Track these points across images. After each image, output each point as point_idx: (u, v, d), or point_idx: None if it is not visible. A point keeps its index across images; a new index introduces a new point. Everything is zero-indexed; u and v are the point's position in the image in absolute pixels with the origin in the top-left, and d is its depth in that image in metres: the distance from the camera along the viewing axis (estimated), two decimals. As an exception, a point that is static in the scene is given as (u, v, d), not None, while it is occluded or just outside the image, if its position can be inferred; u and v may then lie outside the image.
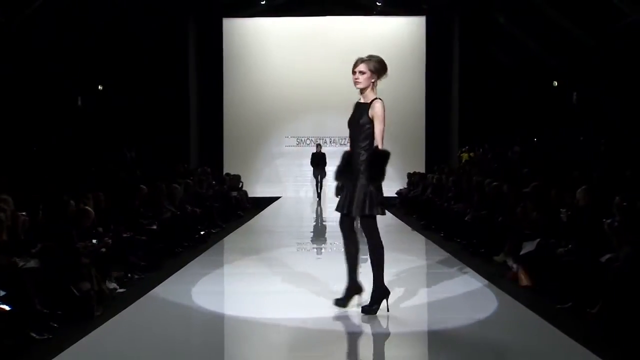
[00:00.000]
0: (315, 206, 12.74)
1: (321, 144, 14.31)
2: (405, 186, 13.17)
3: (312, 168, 13.91)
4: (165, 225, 6.66)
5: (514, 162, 13.48)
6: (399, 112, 14.26)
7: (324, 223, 10.40)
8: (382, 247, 3.71)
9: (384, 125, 3.62)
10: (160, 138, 15.25)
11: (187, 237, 7.26)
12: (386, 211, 3.83)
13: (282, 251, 6.92)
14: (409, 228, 8.86)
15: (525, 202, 5.93)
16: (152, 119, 15.54)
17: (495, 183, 7.23)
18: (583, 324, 3.80)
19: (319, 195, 13.85)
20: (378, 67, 3.75)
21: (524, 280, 4.97)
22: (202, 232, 7.77)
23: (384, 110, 3.63)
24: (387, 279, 4.02)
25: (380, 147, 3.60)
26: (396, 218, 10.04)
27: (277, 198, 14.49)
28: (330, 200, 14.11)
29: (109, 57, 15.02)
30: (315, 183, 13.90)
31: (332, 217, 11.02)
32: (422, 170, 14.18)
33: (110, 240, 5.18)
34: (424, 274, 5.49)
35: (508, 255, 5.62)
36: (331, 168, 16.95)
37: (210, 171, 12.54)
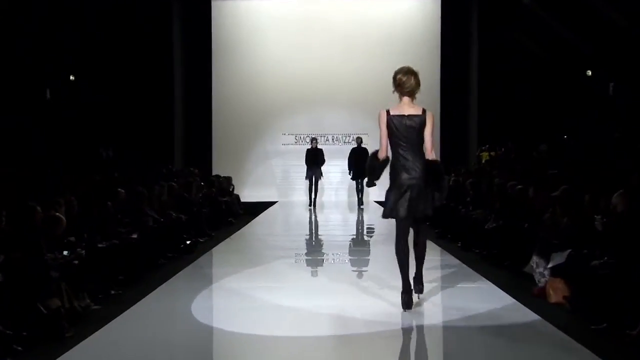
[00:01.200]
0: (309, 215, 12.46)
1: (317, 138, 14.15)
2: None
3: (306, 167, 13.49)
4: (146, 233, 6.68)
5: (540, 162, 13.47)
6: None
7: (324, 232, 10.41)
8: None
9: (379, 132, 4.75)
10: (141, 135, 15.24)
11: (171, 247, 7.32)
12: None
13: (278, 263, 6.95)
14: (446, 252, 8.75)
15: (554, 207, 5.87)
16: (131, 113, 15.50)
17: (519, 186, 7.20)
18: (620, 348, 3.76)
19: (312, 203, 13.53)
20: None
21: (553, 297, 4.97)
22: (188, 242, 7.82)
23: (378, 119, 4.68)
24: (397, 297, 4.63)
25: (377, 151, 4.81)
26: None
27: (272, 203, 14.51)
28: (328, 206, 14.60)
29: (83, 43, 14.94)
30: (308, 186, 13.53)
31: (332, 226, 11.08)
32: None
33: (83, 252, 5.18)
34: (439, 288, 5.45)
35: (534, 267, 5.61)
36: (334, 168, 16.68)
37: (198, 173, 12.56)
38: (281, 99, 15.76)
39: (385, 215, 4.63)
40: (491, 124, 15.92)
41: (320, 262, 7.35)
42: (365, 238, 9.51)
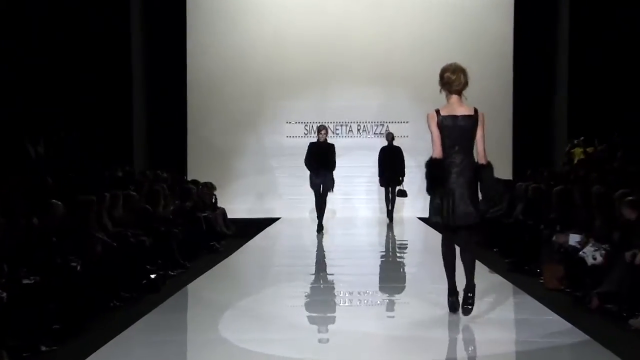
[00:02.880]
0: (318, 238, 12.43)
1: (326, 126, 13.19)
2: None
3: (309, 172, 12.72)
4: (93, 264, 6.68)
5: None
6: (473, 90, 14.30)
7: (343, 263, 10.36)
8: None
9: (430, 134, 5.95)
10: (85, 126, 15.26)
11: (128, 284, 7.34)
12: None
13: (277, 308, 7.03)
14: (486, 269, 8.95)
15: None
16: (71, 96, 15.53)
17: (631, 197, 7.05)
18: None
19: (319, 226, 12.82)
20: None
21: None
22: (152, 276, 7.90)
23: (428, 121, 5.90)
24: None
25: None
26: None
27: (273, 220, 14.67)
28: (343, 224, 14.85)
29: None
30: (316, 198, 12.75)
31: (357, 254, 11.10)
32: (508, 176, 14.27)
33: (4, 294, 5.18)
34: (527, 353, 5.40)
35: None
36: (359, 171, 16.83)
37: (168, 177, 12.66)
38: (284, 76, 15.99)
39: (432, 219, 5.94)
40: (587, 108, 15.72)
41: (333, 305, 7.43)
42: (395, 274, 9.44)
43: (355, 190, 15.99)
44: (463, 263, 5.94)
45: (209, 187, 13.14)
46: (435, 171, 5.80)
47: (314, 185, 12.55)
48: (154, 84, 16.08)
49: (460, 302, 5.95)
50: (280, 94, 16.06)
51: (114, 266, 7.13)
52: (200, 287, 8.07)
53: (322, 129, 12.70)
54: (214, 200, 13.25)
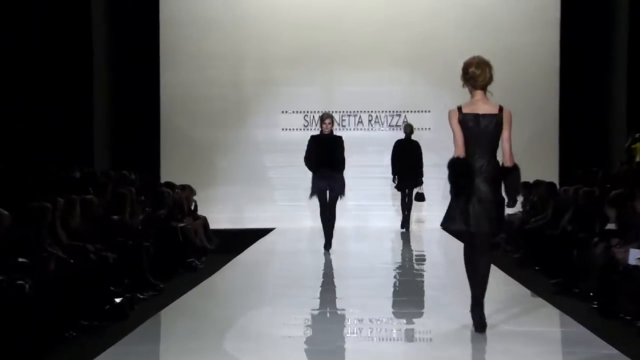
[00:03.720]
0: (324, 255, 12.25)
1: (331, 114, 12.60)
2: (519, 209, 13.37)
3: (311, 173, 12.25)
4: (45, 284, 6.62)
5: None
6: (513, 75, 14.71)
7: (353, 284, 10.33)
8: None
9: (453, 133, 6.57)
10: (36, 116, 15.27)
11: (88, 309, 7.32)
12: None
13: (270, 340, 7.00)
14: (527, 291, 8.97)
15: None
16: (18, 81, 15.52)
17: None
18: None
19: (328, 243, 12.33)
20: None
21: None
22: (118, 300, 7.89)
23: (449, 119, 6.51)
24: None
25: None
26: (500, 270, 10.16)
27: (266, 231, 14.71)
28: (352, 236, 15.01)
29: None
30: (321, 207, 12.19)
31: (366, 270, 11.09)
32: (554, 178, 14.34)
33: None
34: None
35: None
36: (357, 173, 16.87)
37: (136, 179, 12.64)
38: (279, 55, 16.09)
39: (447, 225, 6.60)
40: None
41: (341, 336, 7.44)
42: (413, 297, 9.37)
43: (366, 195, 15.96)
44: (478, 268, 6.53)
45: (187, 192, 13.14)
46: (460, 173, 6.34)
47: (317, 190, 11.99)
48: (120, 67, 16.24)
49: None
50: (275, 77, 16.18)
51: (71, 288, 7.08)
52: (175, 314, 8.03)
53: (326, 118, 12.20)
54: (193, 207, 13.25)
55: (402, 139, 14.45)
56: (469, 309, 6.67)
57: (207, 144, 16.33)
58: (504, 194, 6.62)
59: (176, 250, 10.98)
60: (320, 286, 10.11)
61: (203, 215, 13.33)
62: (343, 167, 12.08)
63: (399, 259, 12.72)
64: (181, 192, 12.88)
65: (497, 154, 6.57)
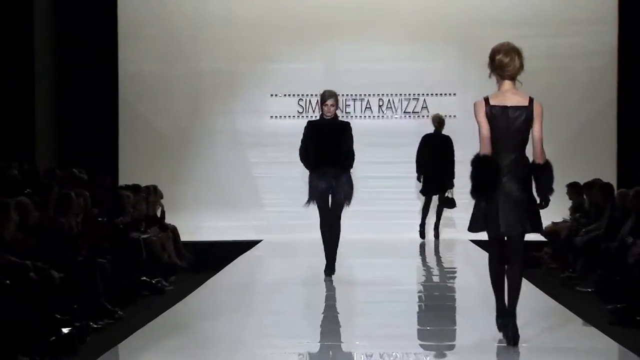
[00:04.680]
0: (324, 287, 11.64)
1: (335, 93, 11.61)
2: (567, 217, 13.61)
3: (308, 170, 11.67)
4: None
5: None
6: (563, 59, 15.17)
7: (362, 310, 10.37)
8: None
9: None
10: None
11: (29, 341, 7.29)
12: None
13: None
14: (578, 319, 9.00)
15: None
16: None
17: None
18: None
19: (330, 266, 11.64)
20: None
21: None
22: (65, 330, 7.90)
23: (475, 112, 7.15)
24: None
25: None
26: (543, 293, 10.24)
27: (251, 244, 14.75)
28: (359, 252, 14.69)
29: None
30: (321, 216, 11.60)
31: (379, 294, 11.04)
32: (611, 179, 14.46)
33: None
34: None
35: None
36: (364, 171, 16.84)
37: (89, 179, 12.68)
38: (267, 24, 16.20)
39: (473, 229, 7.24)
40: None
41: None
42: (443, 328, 9.32)
43: (376, 199, 15.95)
44: (508, 280, 7.22)
45: (152, 195, 13.19)
46: (486, 172, 7.00)
47: (316, 194, 11.40)
48: (68, 41, 16.33)
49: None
50: (262, 52, 16.26)
51: (6, 315, 7.08)
52: (137, 347, 7.98)
53: (329, 97, 11.37)
54: (159, 215, 13.34)
55: (430, 134, 14.46)
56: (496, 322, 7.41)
57: (176, 135, 16.40)
58: (535, 194, 7.21)
59: (138, 268, 11.00)
60: (317, 315, 9.99)
61: (172, 224, 13.37)
62: (351, 164, 11.46)
63: (422, 278, 12.63)
64: (145, 195, 12.84)
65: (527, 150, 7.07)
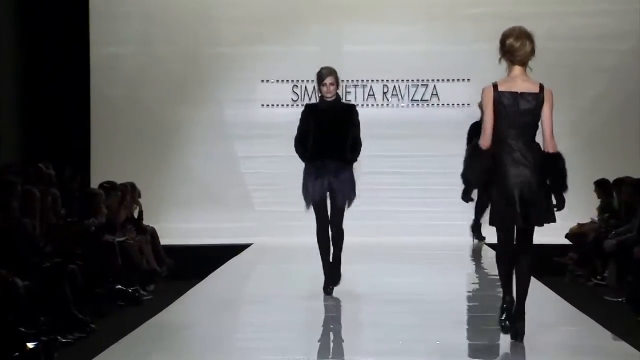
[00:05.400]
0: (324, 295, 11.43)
1: (335, 70, 10.92)
2: (594, 217, 13.65)
3: (303, 163, 11.11)
4: None
5: None
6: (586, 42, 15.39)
7: (370, 334, 10.26)
8: None
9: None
10: None
11: None
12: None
13: None
14: (607, 333, 8.93)
15: None
16: None
17: None
18: None
19: (330, 281, 11.07)
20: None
21: None
22: (31, 345, 7.94)
23: (482, 98, 7.71)
24: None
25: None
26: (567, 303, 10.29)
27: (241, 248, 14.79)
28: (363, 260, 14.62)
29: None
30: (318, 220, 11.07)
31: (387, 309, 10.98)
32: (637, 173, 14.25)
33: None
34: None
35: None
36: (366, 167, 16.94)
37: (57, 176, 12.75)
38: (257, 4, 16.36)
39: (493, 223, 7.83)
40: None
41: None
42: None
43: (379, 197, 15.93)
44: (517, 278, 7.73)
45: (129, 193, 13.17)
46: (473, 158, 7.70)
47: (311, 192, 10.80)
48: (33, 25, 16.33)
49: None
50: (251, 33, 16.26)
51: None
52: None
53: (327, 74, 10.71)
54: (137, 215, 13.35)
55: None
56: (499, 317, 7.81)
57: (155, 127, 16.40)
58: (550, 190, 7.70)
59: (113, 275, 11.02)
60: (315, 330, 9.97)
61: (151, 226, 13.41)
62: (356, 157, 10.86)
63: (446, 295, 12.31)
64: (121, 193, 12.84)
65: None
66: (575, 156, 16.00)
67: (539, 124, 7.60)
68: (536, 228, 7.79)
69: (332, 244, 10.98)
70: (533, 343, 7.88)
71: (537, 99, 7.52)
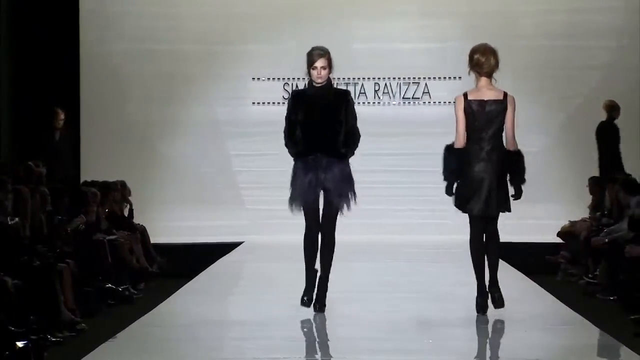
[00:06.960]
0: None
1: (327, 50, 9.80)
2: (587, 216, 13.73)
3: (293, 158, 9.95)
4: None
5: None
6: (583, 53, 15.65)
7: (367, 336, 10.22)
8: None
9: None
10: None
11: None
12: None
13: None
14: (596, 330, 8.98)
15: None
16: None
17: None
18: None
19: (313, 295, 9.91)
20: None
21: None
22: (20, 344, 7.92)
23: (455, 106, 9.00)
24: None
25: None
26: (559, 302, 10.25)
27: (231, 246, 14.80)
28: (361, 258, 15.07)
29: None
30: (307, 224, 9.79)
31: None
32: (638, 171, 14.39)
33: None
34: None
35: None
36: (359, 165, 16.97)
37: (47, 174, 12.77)
38: (249, 1, 16.44)
39: (458, 207, 9.12)
40: None
41: None
42: None
43: (370, 196, 15.87)
44: (488, 256, 9.06)
45: (120, 191, 13.20)
46: (449, 158, 8.96)
47: (300, 193, 9.53)
48: (23, 23, 16.39)
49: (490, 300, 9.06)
50: (242, 30, 16.30)
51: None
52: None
53: (318, 56, 9.42)
54: (127, 214, 13.40)
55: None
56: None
57: (146, 125, 16.41)
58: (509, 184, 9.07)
59: (103, 273, 11.02)
60: (313, 325, 9.98)
61: (141, 224, 13.43)
62: (353, 150, 9.54)
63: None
64: (111, 192, 12.80)
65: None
66: (568, 153, 16.17)
67: (504, 126, 8.86)
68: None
69: (320, 258, 9.67)
70: (524, 341, 8.06)
71: (502, 105, 8.79)
